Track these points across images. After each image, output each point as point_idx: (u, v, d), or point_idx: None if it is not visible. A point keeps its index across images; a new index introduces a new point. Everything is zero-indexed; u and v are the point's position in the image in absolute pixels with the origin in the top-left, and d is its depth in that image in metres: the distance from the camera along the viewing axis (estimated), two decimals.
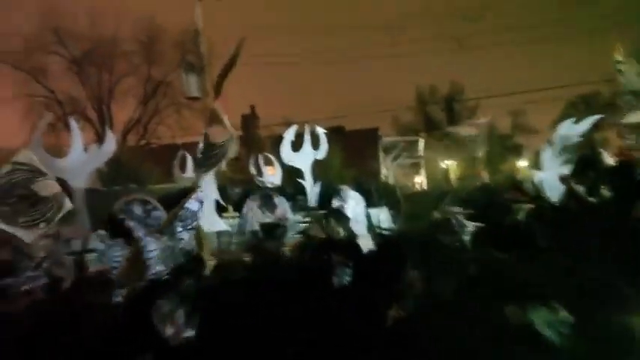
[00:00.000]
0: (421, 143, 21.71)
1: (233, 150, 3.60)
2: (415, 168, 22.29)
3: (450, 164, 22.76)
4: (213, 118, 3.71)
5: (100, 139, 15.85)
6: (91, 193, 3.71)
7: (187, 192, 4.04)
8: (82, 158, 3.64)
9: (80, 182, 3.55)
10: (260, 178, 5.57)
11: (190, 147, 6.55)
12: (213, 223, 4.06)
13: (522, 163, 19.91)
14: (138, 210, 3.83)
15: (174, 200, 3.86)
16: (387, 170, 20.03)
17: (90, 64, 17.25)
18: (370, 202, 5.31)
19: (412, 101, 23.59)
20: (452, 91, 23.27)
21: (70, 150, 3.69)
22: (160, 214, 3.86)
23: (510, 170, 18.04)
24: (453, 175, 21.81)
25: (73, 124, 4.00)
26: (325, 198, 4.80)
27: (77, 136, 3.74)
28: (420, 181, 22.25)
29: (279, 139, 6.29)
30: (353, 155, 13.30)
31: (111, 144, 3.87)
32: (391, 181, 17.95)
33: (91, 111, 17.96)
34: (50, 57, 17.02)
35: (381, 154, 19.54)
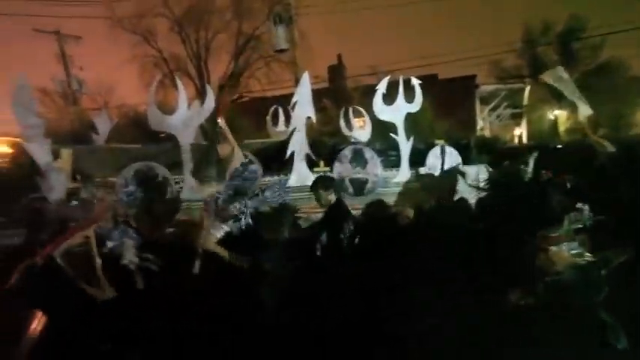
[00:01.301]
0: (526, 91, 19.07)
1: (236, 162, 3.66)
2: (517, 119, 19.92)
3: (559, 115, 19.86)
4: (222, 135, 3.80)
5: (199, 94, 17.14)
6: (194, 147, 3.97)
7: (282, 146, 4.16)
8: (187, 115, 3.89)
9: (186, 137, 3.84)
10: (349, 132, 5.47)
11: (279, 100, 6.69)
12: (303, 176, 4.15)
13: None
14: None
15: (269, 154, 4.00)
16: (484, 122, 18.30)
17: (189, 23, 18.29)
18: (466, 159, 4.91)
19: (517, 43, 20.47)
20: (570, 26, 19.41)
21: (176, 107, 3.97)
22: (256, 167, 4.05)
23: None
24: (561, 128, 19.06)
25: (180, 84, 4.24)
26: (419, 154, 4.54)
27: (183, 94, 3.99)
28: (520, 133, 19.94)
29: (367, 90, 5.99)
30: (446, 106, 12.29)
31: (211, 100, 4.03)
32: (488, 134, 16.43)
33: (191, 67, 19.31)
34: (157, 19, 18.43)
35: (478, 105, 17.81)
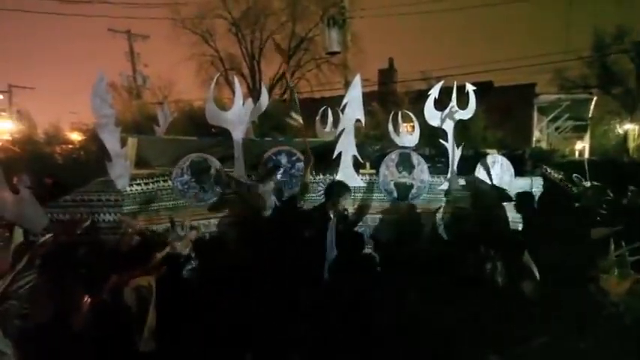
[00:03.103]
0: (592, 102, 17.63)
1: None
2: (580, 132, 18.52)
3: (630, 129, 18.24)
4: None
5: (251, 92, 17.73)
6: (246, 142, 4.13)
7: (329, 146, 4.23)
8: (242, 111, 4.05)
9: (240, 133, 4.01)
10: (396, 137, 5.42)
11: (328, 101, 6.78)
12: (349, 177, 4.18)
13: None
14: (284, 160, 4.23)
15: (317, 153, 4.08)
16: (541, 134, 17.21)
17: (245, 24, 19.03)
18: (520, 171, 4.71)
19: (584, 50, 18.87)
20: None
21: (232, 104, 4.16)
22: (303, 165, 4.16)
23: None
24: (632, 144, 17.46)
25: (237, 82, 4.44)
26: (468, 162, 4.42)
27: (239, 92, 4.18)
28: (582, 147, 18.51)
29: (417, 95, 5.90)
30: (501, 115, 11.74)
31: (265, 98, 4.18)
32: (545, 146, 15.46)
33: (244, 67, 20.06)
34: (215, 20, 19.37)
35: (536, 115, 16.77)
